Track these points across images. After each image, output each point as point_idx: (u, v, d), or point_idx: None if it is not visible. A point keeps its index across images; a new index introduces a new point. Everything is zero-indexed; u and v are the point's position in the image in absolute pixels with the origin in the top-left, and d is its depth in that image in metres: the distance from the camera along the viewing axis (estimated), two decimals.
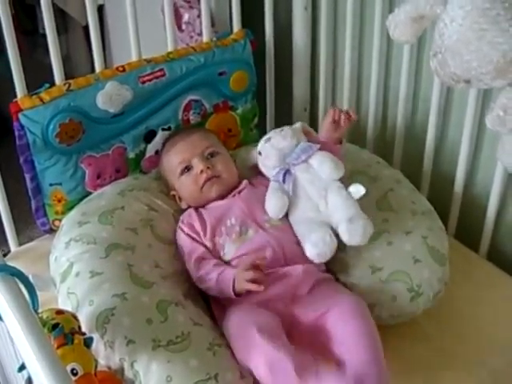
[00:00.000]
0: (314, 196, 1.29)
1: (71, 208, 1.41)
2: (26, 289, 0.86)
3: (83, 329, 1.03)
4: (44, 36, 1.43)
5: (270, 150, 1.35)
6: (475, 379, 1.16)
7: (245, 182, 1.39)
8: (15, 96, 1.37)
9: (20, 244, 1.53)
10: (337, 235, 1.22)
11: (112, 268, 1.20)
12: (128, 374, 1.07)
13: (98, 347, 1.08)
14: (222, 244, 1.28)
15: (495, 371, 1.17)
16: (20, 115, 1.35)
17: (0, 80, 2.30)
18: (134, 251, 1.25)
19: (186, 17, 1.79)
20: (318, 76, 1.74)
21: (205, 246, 1.29)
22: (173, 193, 1.41)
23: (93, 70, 1.52)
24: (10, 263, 0.88)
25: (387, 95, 1.64)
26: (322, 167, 1.29)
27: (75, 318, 1.01)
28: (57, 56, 1.41)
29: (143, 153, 1.50)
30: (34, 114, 1.35)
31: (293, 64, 1.77)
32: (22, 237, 1.56)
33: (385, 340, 1.17)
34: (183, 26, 1.80)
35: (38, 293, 0.91)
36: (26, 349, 0.73)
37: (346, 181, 1.30)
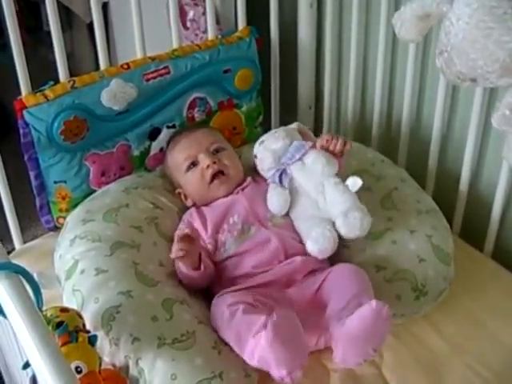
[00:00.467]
0: (312, 193, 1.29)
1: (75, 205, 1.41)
2: (30, 287, 0.86)
3: (88, 326, 1.03)
4: (48, 33, 1.43)
5: (263, 153, 1.36)
6: (480, 380, 1.15)
7: (249, 179, 1.39)
8: (19, 93, 1.37)
9: (24, 242, 1.53)
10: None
11: (117, 266, 1.20)
12: (133, 371, 1.07)
13: (103, 345, 1.08)
14: (224, 241, 1.28)
15: (501, 374, 1.16)
16: (24, 112, 1.35)
17: (3, 77, 2.30)
18: (139, 249, 1.25)
19: (190, 14, 1.79)
20: (323, 74, 1.74)
21: (204, 244, 1.29)
22: (178, 191, 1.41)
23: (97, 67, 1.51)
24: (15, 261, 0.88)
25: (392, 93, 1.64)
26: (314, 165, 1.29)
27: (79, 315, 1.01)
28: (61, 53, 1.40)
29: (148, 150, 1.50)
30: (38, 112, 1.35)
31: (298, 62, 1.76)
32: (26, 235, 1.55)
33: (387, 338, 1.16)
34: (188, 24, 1.79)
35: (43, 290, 0.91)
36: (30, 347, 0.73)
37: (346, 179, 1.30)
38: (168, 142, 1.47)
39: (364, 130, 1.69)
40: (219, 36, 1.58)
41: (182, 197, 1.40)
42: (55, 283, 1.24)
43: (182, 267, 1.20)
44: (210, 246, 1.28)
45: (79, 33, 2.42)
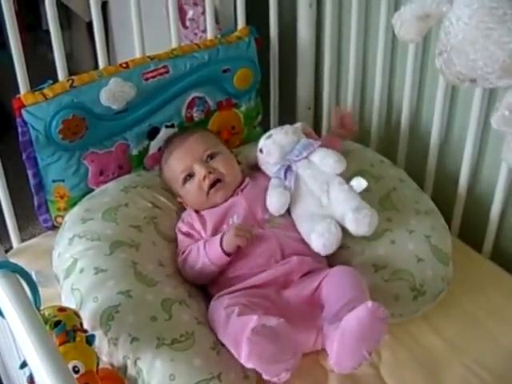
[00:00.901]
0: (316, 191, 1.30)
1: (74, 204, 1.41)
2: (28, 286, 0.86)
3: (86, 326, 1.03)
4: (47, 32, 1.42)
5: (271, 147, 1.36)
6: (478, 380, 1.15)
7: (247, 179, 1.39)
8: (18, 92, 1.37)
9: (22, 240, 1.53)
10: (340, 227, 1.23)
11: (116, 265, 1.20)
12: (131, 371, 1.07)
13: (102, 344, 1.08)
14: None
15: (498, 374, 1.16)
16: (23, 111, 1.34)
17: (2, 76, 2.30)
18: (139, 249, 1.25)
19: (190, 13, 1.78)
20: (323, 74, 1.74)
21: None
22: (180, 200, 1.40)
23: (96, 66, 1.51)
24: (12, 259, 0.88)
25: (392, 94, 1.64)
26: (325, 161, 1.31)
27: (77, 315, 1.01)
28: (60, 52, 1.40)
29: (146, 150, 1.49)
30: (37, 110, 1.34)
31: (297, 62, 1.76)
32: (24, 234, 1.55)
33: (384, 338, 1.17)
34: (187, 23, 1.79)
35: (41, 289, 0.91)
36: (27, 346, 0.72)
37: (348, 180, 1.30)
38: (162, 152, 1.45)
39: (363, 131, 1.69)
40: (218, 35, 1.58)
41: (184, 205, 1.39)
42: (53, 282, 1.24)
43: (217, 247, 1.21)
44: None
45: (78, 32, 2.42)
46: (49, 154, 1.39)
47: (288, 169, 1.33)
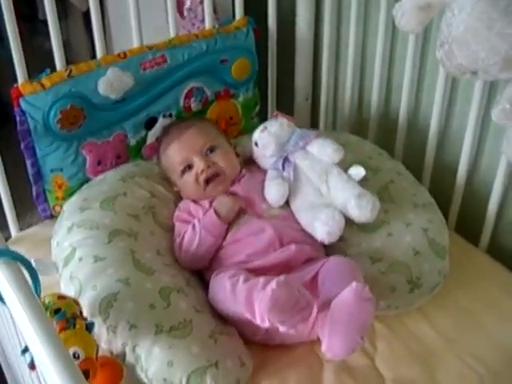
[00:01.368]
0: (315, 181, 1.30)
1: (72, 194, 1.40)
2: (28, 273, 0.86)
3: (85, 313, 1.03)
4: (43, 22, 1.42)
5: (267, 139, 1.35)
6: (473, 373, 1.16)
7: (244, 170, 1.39)
8: (15, 82, 1.36)
9: (20, 230, 1.52)
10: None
11: (115, 254, 1.20)
12: (129, 358, 1.08)
13: (101, 332, 1.08)
14: None
15: (493, 367, 1.17)
16: (21, 100, 1.34)
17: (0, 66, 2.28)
18: (137, 238, 1.25)
19: (187, 3, 1.77)
20: (321, 65, 1.73)
21: None
22: (176, 189, 1.40)
23: (92, 56, 1.50)
24: (11, 248, 0.88)
25: (390, 86, 1.63)
26: (323, 150, 1.32)
27: (77, 303, 1.01)
28: (58, 42, 1.39)
29: (144, 140, 1.49)
30: (35, 100, 1.34)
31: (295, 52, 1.76)
32: (21, 223, 1.55)
33: (379, 328, 1.21)
34: (185, 13, 1.78)
35: (40, 277, 0.91)
36: (29, 332, 0.73)
37: (345, 170, 1.31)
38: (160, 141, 1.45)
39: (361, 123, 1.69)
40: (216, 25, 1.58)
41: (181, 194, 1.40)
42: (52, 270, 1.23)
43: (212, 218, 1.25)
44: None
45: (74, 22, 2.40)
46: (47, 144, 1.38)
47: (285, 160, 1.33)
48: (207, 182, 1.34)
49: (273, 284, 1.02)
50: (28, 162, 1.41)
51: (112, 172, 1.43)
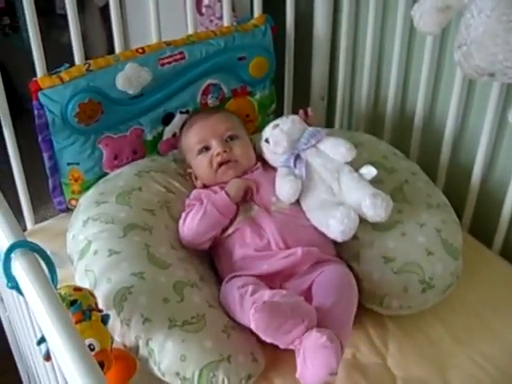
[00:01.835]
0: (327, 179, 1.30)
1: (88, 188, 1.42)
2: (45, 265, 0.86)
3: (100, 306, 1.04)
4: (61, 16, 1.43)
5: (279, 135, 1.35)
6: (484, 375, 1.16)
7: (259, 163, 1.40)
8: (30, 76, 1.37)
9: (34, 223, 1.54)
10: None
11: (130, 247, 1.21)
12: (143, 351, 1.08)
13: (114, 324, 1.09)
14: None
15: (505, 370, 1.17)
16: (39, 94, 1.35)
17: (15, 59, 2.30)
18: (152, 232, 1.26)
19: (206, 1, 1.78)
20: (338, 65, 1.73)
21: None
22: (189, 171, 1.42)
23: (109, 51, 1.51)
24: None
25: (407, 86, 1.63)
26: (336, 149, 1.31)
27: (92, 295, 1.02)
28: (77, 36, 1.41)
29: (160, 135, 1.50)
30: (53, 94, 1.35)
31: (312, 51, 1.76)
32: (36, 216, 1.56)
33: (391, 328, 1.21)
34: (203, 10, 1.79)
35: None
36: (46, 322, 0.73)
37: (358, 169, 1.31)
38: (186, 120, 1.47)
39: (377, 123, 1.69)
40: (234, 23, 1.58)
41: (193, 177, 1.41)
42: (67, 263, 1.25)
43: (222, 198, 1.26)
44: None
45: (91, 16, 2.42)
46: (64, 137, 1.40)
47: (297, 157, 1.33)
48: (220, 165, 1.35)
49: (252, 309, 1.01)
50: (45, 155, 1.42)
51: (128, 167, 1.44)
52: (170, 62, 1.45)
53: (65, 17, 1.42)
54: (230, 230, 1.28)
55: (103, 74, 1.39)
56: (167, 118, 1.49)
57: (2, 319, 1.55)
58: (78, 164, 1.43)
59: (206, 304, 1.14)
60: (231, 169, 1.36)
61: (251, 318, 1.01)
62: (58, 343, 0.70)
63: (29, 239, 0.89)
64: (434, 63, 1.50)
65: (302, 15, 1.73)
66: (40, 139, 1.40)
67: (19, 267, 0.80)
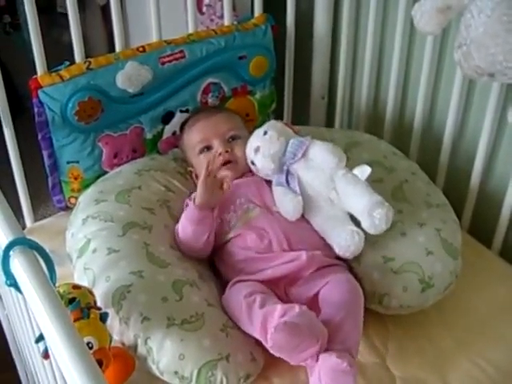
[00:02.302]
0: (323, 191, 1.27)
1: (87, 186, 1.42)
2: (44, 262, 0.86)
3: (99, 304, 1.04)
4: (61, 14, 1.43)
5: (263, 161, 1.30)
6: (484, 375, 1.16)
7: None
8: (30, 74, 1.37)
9: (34, 221, 1.54)
10: (358, 225, 1.22)
11: (129, 246, 1.21)
12: (141, 350, 1.08)
13: (113, 323, 1.09)
14: (229, 220, 1.28)
15: (505, 370, 1.17)
16: (39, 92, 1.35)
17: (16, 58, 2.30)
18: (151, 231, 1.26)
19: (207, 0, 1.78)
20: (338, 64, 1.73)
21: None
22: (190, 169, 1.42)
23: (109, 49, 1.51)
24: None
25: (407, 86, 1.63)
26: (324, 157, 1.25)
27: (91, 293, 1.02)
28: (78, 34, 1.41)
29: (160, 134, 1.50)
30: (53, 92, 1.35)
31: (313, 51, 1.76)
32: (36, 214, 1.56)
33: (391, 328, 1.21)
34: (204, 9, 1.79)
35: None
36: (44, 320, 0.73)
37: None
38: (187, 119, 1.47)
39: (377, 122, 1.69)
40: (235, 22, 1.58)
41: (193, 176, 1.41)
42: (66, 261, 1.25)
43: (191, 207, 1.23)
44: (215, 225, 1.28)
45: (92, 15, 2.42)
46: (64, 135, 1.40)
47: (288, 173, 1.29)
48: (221, 165, 1.34)
49: (271, 328, 1.00)
50: (44, 153, 1.42)
51: (128, 165, 1.44)
52: (170, 61, 1.45)
53: (65, 15, 1.42)
54: (230, 235, 1.27)
55: (103, 73, 1.39)
56: (167, 117, 1.49)
57: (1, 317, 1.55)
58: (77, 162, 1.43)
59: (204, 303, 1.14)
60: (231, 170, 1.35)
61: (269, 337, 1.00)
62: (57, 341, 0.70)
63: (28, 237, 0.89)
64: (434, 63, 1.50)
65: (302, 15, 1.73)
66: (40, 137, 1.40)
67: (18, 265, 0.80)
